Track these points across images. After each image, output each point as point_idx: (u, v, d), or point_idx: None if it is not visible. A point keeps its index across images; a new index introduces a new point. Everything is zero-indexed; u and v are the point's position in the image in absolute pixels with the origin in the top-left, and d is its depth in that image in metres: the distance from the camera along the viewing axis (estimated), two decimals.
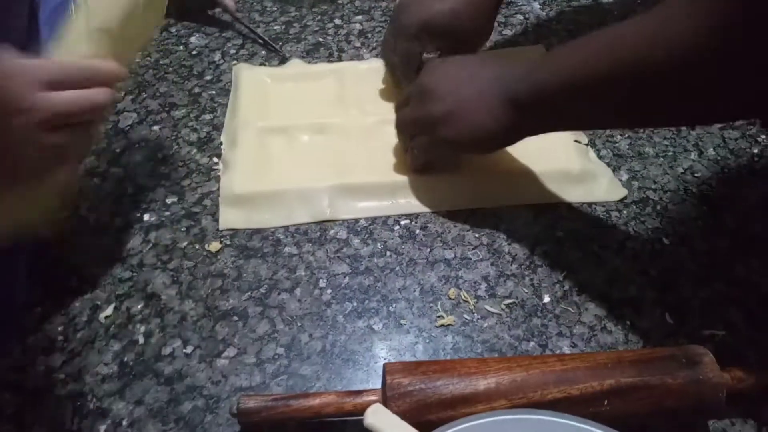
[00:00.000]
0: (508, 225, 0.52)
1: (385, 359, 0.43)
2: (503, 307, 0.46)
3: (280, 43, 0.69)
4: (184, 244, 0.50)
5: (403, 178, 0.54)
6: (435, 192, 0.54)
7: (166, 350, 0.43)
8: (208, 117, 0.61)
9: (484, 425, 0.32)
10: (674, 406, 0.37)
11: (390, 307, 0.46)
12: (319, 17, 0.73)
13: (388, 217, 0.52)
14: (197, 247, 0.50)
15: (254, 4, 0.75)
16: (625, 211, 0.53)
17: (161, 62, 0.67)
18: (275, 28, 0.72)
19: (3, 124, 0.33)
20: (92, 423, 0.40)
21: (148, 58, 0.67)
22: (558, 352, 0.44)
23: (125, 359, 0.43)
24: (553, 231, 0.51)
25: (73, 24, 0.39)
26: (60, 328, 0.44)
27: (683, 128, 0.60)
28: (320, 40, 0.70)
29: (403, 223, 0.52)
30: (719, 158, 0.57)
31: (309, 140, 0.58)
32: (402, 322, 0.45)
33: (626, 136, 0.59)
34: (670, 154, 0.58)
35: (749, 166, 0.57)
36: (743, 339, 0.44)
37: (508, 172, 0.55)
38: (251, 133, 0.57)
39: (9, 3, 0.41)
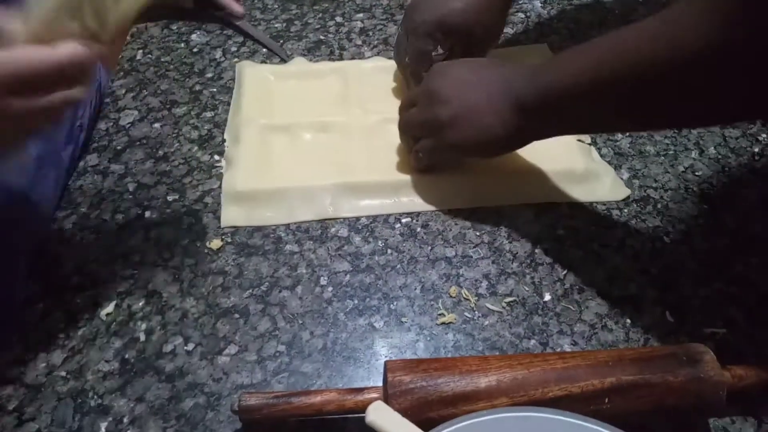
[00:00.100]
0: (508, 223, 0.52)
1: (386, 357, 0.43)
2: (504, 305, 0.46)
3: (281, 41, 0.69)
4: (185, 241, 0.50)
5: (405, 177, 0.54)
6: (438, 191, 0.54)
7: (167, 347, 0.43)
8: (209, 114, 0.61)
9: (485, 423, 0.32)
10: (675, 404, 0.37)
11: (391, 305, 0.46)
12: (320, 15, 0.73)
13: (389, 215, 0.52)
14: (198, 244, 0.50)
15: (255, 1, 0.75)
16: (625, 210, 0.53)
17: (162, 59, 0.67)
18: (276, 25, 0.71)
19: None
20: (93, 420, 0.40)
21: (149, 56, 0.67)
22: (559, 350, 0.44)
23: (126, 356, 0.43)
24: (554, 229, 0.51)
25: None
26: (61, 325, 0.44)
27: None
28: (321, 38, 0.70)
29: (404, 221, 0.52)
30: (720, 157, 0.57)
31: (312, 138, 0.58)
32: (403, 319, 0.45)
33: (627, 134, 0.59)
34: (671, 152, 0.58)
35: (750, 165, 0.57)
36: (744, 337, 0.44)
37: (511, 171, 0.55)
38: (254, 131, 0.57)
39: None
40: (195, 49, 0.68)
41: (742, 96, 0.35)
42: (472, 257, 0.49)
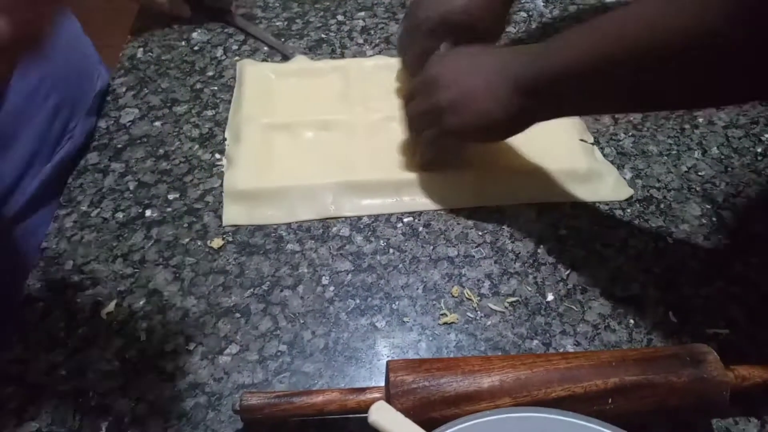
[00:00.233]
0: (511, 223, 0.51)
1: (388, 357, 0.43)
2: (506, 305, 0.46)
3: (283, 39, 0.69)
4: (186, 240, 0.50)
5: (407, 176, 0.54)
6: (441, 190, 0.53)
7: (168, 347, 0.43)
8: (210, 113, 0.61)
9: (488, 423, 0.32)
10: (678, 405, 0.37)
11: (393, 305, 0.46)
12: (322, 13, 0.73)
13: (391, 214, 0.52)
14: (199, 243, 0.50)
15: (257, 0, 0.75)
16: (628, 210, 0.53)
17: (163, 58, 0.67)
18: (277, 24, 0.71)
19: None
20: (94, 419, 0.39)
21: (150, 54, 0.67)
22: (561, 350, 0.43)
23: (127, 356, 0.43)
24: (557, 229, 0.51)
25: None
26: (62, 324, 0.44)
27: (687, 126, 0.60)
28: (323, 36, 0.70)
29: (406, 220, 0.52)
30: (723, 157, 0.57)
31: (313, 137, 0.58)
32: (405, 319, 0.45)
33: (630, 134, 0.59)
34: (674, 152, 0.58)
35: (753, 165, 0.56)
36: (746, 337, 0.44)
37: (513, 170, 0.54)
38: (255, 129, 0.57)
39: None
40: (196, 48, 0.68)
41: (740, 78, 0.35)
42: (474, 257, 0.49)
